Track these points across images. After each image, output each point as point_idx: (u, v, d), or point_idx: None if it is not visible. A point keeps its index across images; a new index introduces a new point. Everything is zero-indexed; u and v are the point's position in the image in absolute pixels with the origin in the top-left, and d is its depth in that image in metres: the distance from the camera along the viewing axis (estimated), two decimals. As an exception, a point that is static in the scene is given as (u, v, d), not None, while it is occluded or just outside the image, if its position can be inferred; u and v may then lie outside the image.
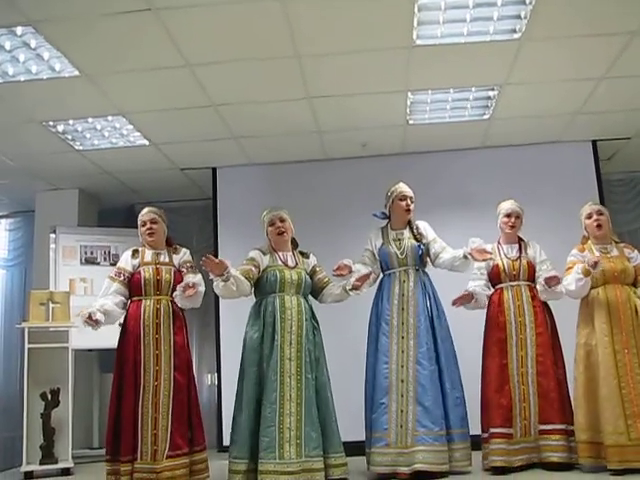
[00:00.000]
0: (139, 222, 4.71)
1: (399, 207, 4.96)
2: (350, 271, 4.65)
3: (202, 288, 4.52)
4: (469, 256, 4.67)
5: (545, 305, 4.82)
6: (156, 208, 4.78)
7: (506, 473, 4.45)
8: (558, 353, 4.74)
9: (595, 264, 4.38)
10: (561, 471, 4.41)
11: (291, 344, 4.51)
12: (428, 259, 4.96)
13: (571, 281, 4.54)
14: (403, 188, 4.99)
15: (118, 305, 4.49)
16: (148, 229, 4.64)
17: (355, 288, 4.66)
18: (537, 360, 4.65)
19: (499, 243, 5.02)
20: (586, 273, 4.44)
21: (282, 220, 4.82)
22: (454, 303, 4.77)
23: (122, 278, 4.55)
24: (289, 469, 4.26)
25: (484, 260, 4.71)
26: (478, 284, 4.87)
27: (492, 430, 4.59)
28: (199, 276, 4.57)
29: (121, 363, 4.38)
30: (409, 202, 4.95)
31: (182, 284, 4.44)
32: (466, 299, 4.80)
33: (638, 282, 4.60)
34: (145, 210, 4.74)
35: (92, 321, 4.33)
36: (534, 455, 4.56)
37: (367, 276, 4.70)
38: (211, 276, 4.40)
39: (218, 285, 4.43)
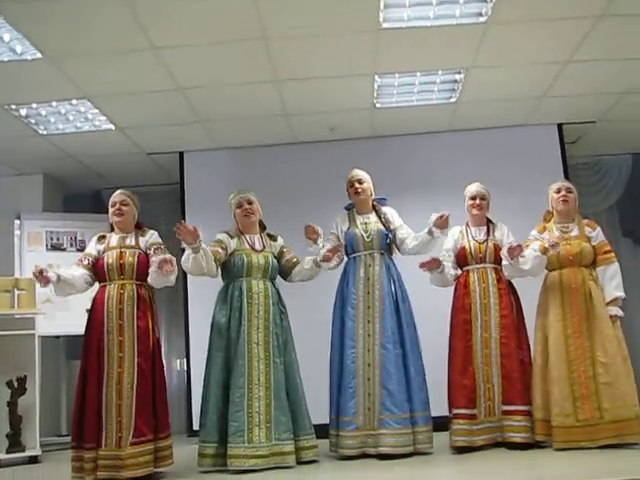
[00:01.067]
0: (110, 202, 4.64)
1: (351, 193, 5.02)
2: (318, 236, 4.75)
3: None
4: (433, 229, 4.71)
5: (511, 288, 4.85)
6: (129, 191, 4.72)
7: (469, 452, 4.52)
8: (523, 335, 4.78)
9: (555, 245, 4.44)
10: (523, 450, 4.47)
11: (258, 328, 4.52)
12: (394, 246, 4.98)
13: (527, 259, 4.59)
14: (353, 173, 5.03)
15: (78, 277, 4.42)
16: (117, 209, 4.58)
17: (326, 260, 4.67)
18: (501, 342, 4.68)
19: (467, 226, 5.03)
20: (543, 251, 4.49)
21: (250, 202, 4.81)
22: (422, 266, 4.74)
23: (86, 262, 4.50)
24: (258, 453, 4.29)
25: (444, 227, 4.71)
26: (446, 265, 4.90)
27: (455, 411, 4.66)
28: (169, 256, 4.46)
29: (87, 349, 4.33)
30: (357, 185, 4.97)
31: (158, 259, 4.33)
32: (434, 264, 4.77)
33: (598, 261, 4.64)
34: (117, 192, 4.69)
35: (41, 276, 4.24)
36: (498, 435, 4.61)
37: (338, 247, 4.73)
38: (182, 245, 4.37)
39: (188, 258, 4.40)
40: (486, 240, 4.90)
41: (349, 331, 4.74)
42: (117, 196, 4.64)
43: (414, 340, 4.77)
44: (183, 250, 4.47)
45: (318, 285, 4.97)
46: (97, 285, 4.51)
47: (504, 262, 4.74)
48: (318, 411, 4.78)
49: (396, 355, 4.65)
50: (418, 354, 4.76)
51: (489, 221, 5.04)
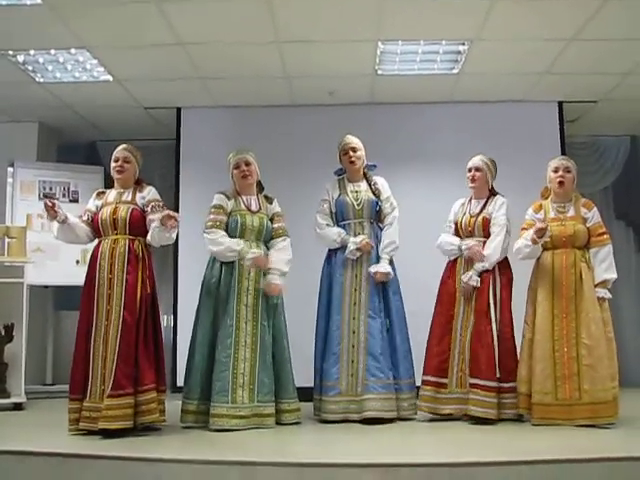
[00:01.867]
0: (112, 157, 4.60)
1: (345, 161, 5.00)
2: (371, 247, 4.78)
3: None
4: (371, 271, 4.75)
5: (502, 262, 4.80)
6: (133, 147, 4.66)
7: (432, 421, 4.63)
8: (507, 311, 4.71)
9: (541, 233, 4.45)
10: (484, 424, 4.48)
11: (248, 290, 4.54)
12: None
13: (520, 248, 4.62)
14: (346, 140, 4.99)
15: (82, 227, 4.46)
16: (119, 166, 4.54)
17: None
18: (478, 316, 4.66)
19: (470, 199, 4.99)
20: (534, 242, 4.51)
21: (247, 164, 4.78)
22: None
23: (86, 218, 4.51)
24: (241, 413, 4.34)
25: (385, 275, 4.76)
26: (446, 236, 4.94)
27: (424, 377, 4.73)
28: (172, 212, 4.37)
29: (81, 303, 4.36)
30: (351, 153, 4.94)
31: (160, 214, 4.26)
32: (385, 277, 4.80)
33: (592, 242, 4.62)
34: (121, 147, 4.63)
35: (52, 209, 4.31)
36: (464, 407, 4.62)
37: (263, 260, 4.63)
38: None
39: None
40: (478, 214, 4.87)
41: (336, 298, 4.78)
42: (120, 152, 4.60)
43: (400, 309, 4.83)
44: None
45: (309, 251, 4.98)
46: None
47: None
48: (306, 374, 4.83)
49: (381, 323, 4.71)
50: (403, 323, 4.82)
51: (492, 194, 4.96)
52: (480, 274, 4.69)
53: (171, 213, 4.26)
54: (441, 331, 4.75)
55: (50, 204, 4.30)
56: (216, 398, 4.35)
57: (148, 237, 4.38)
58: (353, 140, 4.99)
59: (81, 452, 3.56)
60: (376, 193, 4.93)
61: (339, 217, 4.95)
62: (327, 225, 4.91)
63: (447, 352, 4.71)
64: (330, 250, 4.94)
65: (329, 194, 5.00)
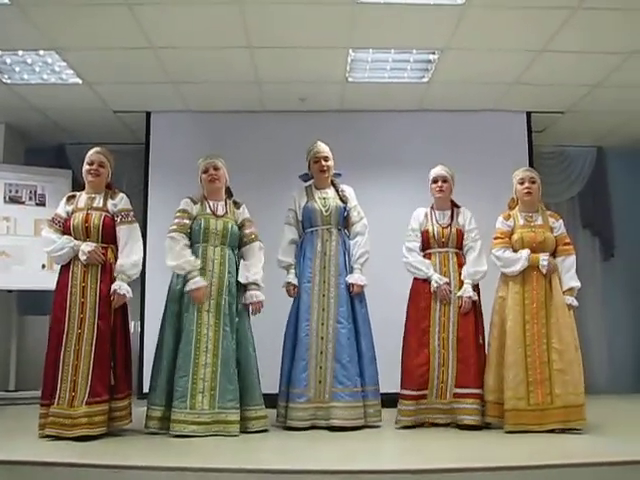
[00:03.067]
0: (86, 159, 4.56)
1: (315, 169, 5.01)
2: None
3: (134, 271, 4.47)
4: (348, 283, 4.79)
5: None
6: (107, 151, 4.65)
7: (412, 428, 4.63)
8: (479, 320, 4.84)
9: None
10: (472, 430, 4.57)
11: (210, 296, 4.53)
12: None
13: (513, 263, 4.61)
14: (318, 148, 5.01)
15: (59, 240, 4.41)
16: (94, 170, 4.51)
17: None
18: (459, 326, 4.74)
19: (432, 209, 5.05)
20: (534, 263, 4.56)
21: (216, 168, 4.77)
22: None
23: (57, 225, 4.48)
24: (200, 419, 4.32)
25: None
26: (414, 245, 4.93)
27: (404, 392, 4.72)
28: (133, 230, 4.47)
29: (53, 309, 4.34)
30: (323, 162, 4.97)
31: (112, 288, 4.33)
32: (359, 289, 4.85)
33: (558, 251, 4.71)
34: (95, 150, 4.61)
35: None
36: (447, 416, 4.69)
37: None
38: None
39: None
40: (449, 225, 4.92)
41: (304, 304, 4.78)
42: (95, 155, 4.56)
43: (365, 316, 4.84)
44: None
45: (275, 259, 4.97)
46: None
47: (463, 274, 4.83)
48: (269, 381, 4.80)
49: (349, 330, 4.71)
50: (368, 331, 4.83)
51: (454, 205, 5.06)
52: (460, 272, 4.83)
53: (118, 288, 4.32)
54: (418, 344, 4.75)
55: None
56: (176, 404, 4.35)
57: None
58: (325, 149, 5.01)
59: (38, 460, 3.50)
60: (343, 200, 4.95)
61: (306, 224, 4.95)
62: (292, 240, 4.94)
63: (426, 364, 4.72)
64: (298, 256, 4.94)
65: (295, 203, 5.00)
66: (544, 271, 4.50)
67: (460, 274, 4.83)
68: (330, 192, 5.00)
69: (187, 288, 4.47)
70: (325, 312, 4.74)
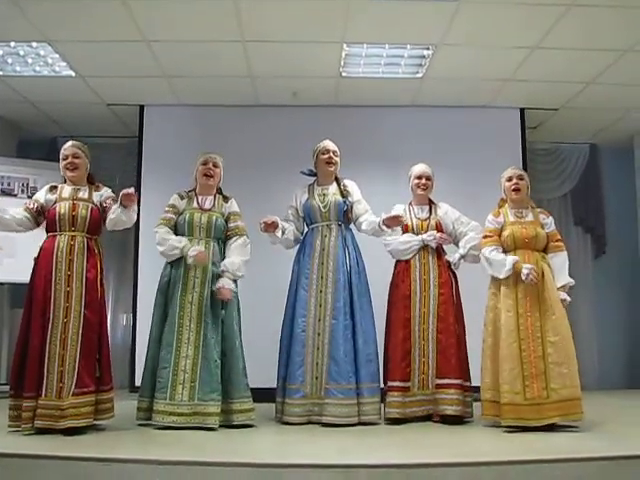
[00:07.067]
0: (61, 156, 4.55)
1: (321, 161, 5.00)
2: (276, 227, 4.74)
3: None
4: (384, 227, 4.77)
5: (450, 265, 4.94)
6: (80, 143, 4.63)
7: (401, 423, 4.62)
8: (459, 312, 4.89)
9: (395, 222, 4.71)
10: (455, 424, 4.58)
11: (194, 288, 4.54)
12: (351, 218, 5.01)
13: (499, 269, 4.58)
14: (326, 143, 5.03)
15: (13, 218, 4.39)
16: (69, 163, 4.50)
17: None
18: (439, 317, 4.78)
19: (410, 204, 5.09)
20: (518, 269, 4.51)
21: (215, 165, 4.80)
22: (383, 221, 4.77)
23: (32, 207, 4.44)
24: (179, 410, 4.34)
25: (398, 225, 4.83)
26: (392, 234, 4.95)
27: (390, 384, 4.74)
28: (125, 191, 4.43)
29: (31, 298, 4.26)
30: (331, 155, 4.98)
31: (122, 192, 4.31)
32: (395, 221, 4.79)
33: (549, 248, 4.71)
34: (68, 144, 4.59)
35: None
36: (430, 407, 4.73)
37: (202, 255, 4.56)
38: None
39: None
40: (428, 218, 4.97)
41: (301, 300, 4.77)
42: (68, 149, 4.54)
43: (365, 312, 4.80)
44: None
45: (277, 253, 4.97)
46: (34, 232, 4.49)
47: (461, 251, 4.88)
48: (269, 376, 4.82)
49: (345, 326, 4.69)
50: (369, 326, 4.80)
51: (431, 201, 5.11)
52: (448, 265, 4.88)
53: (128, 190, 4.29)
54: (400, 334, 4.77)
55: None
56: (157, 394, 4.39)
57: (107, 221, 4.40)
58: (334, 145, 5.03)
59: (30, 452, 3.48)
60: (344, 194, 4.95)
61: (308, 221, 4.98)
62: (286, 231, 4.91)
63: (409, 356, 4.74)
64: (299, 251, 4.94)
65: (296, 200, 5.03)
66: (524, 279, 4.48)
67: (439, 266, 4.87)
68: (331, 188, 5.00)
69: (190, 260, 4.47)
70: (322, 308, 4.74)
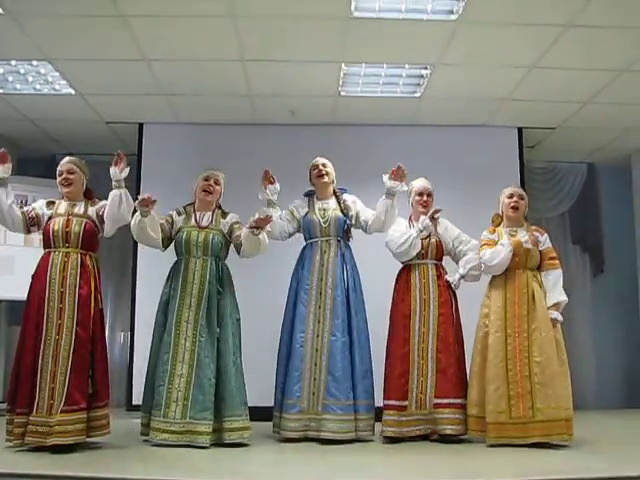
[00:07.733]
0: (57, 171, 4.56)
1: (314, 176, 5.05)
2: (272, 184, 4.90)
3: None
4: (391, 184, 4.78)
5: (450, 285, 4.91)
6: (77, 158, 4.64)
7: (397, 442, 4.60)
8: (459, 331, 4.88)
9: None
10: (452, 443, 4.57)
11: (190, 307, 4.53)
12: (360, 229, 5.03)
13: (496, 253, 4.63)
14: (316, 159, 5.07)
15: (8, 207, 4.40)
16: (64, 179, 4.50)
17: (257, 227, 4.49)
18: (438, 336, 4.76)
19: (411, 220, 5.06)
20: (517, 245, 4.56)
21: (217, 182, 4.82)
22: (392, 173, 4.79)
23: (26, 210, 4.46)
24: (172, 428, 4.35)
25: (400, 179, 4.80)
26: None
27: (386, 402, 4.73)
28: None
29: (26, 315, 4.28)
30: (320, 168, 5.01)
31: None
32: (399, 174, 4.80)
33: (544, 265, 4.72)
34: (64, 160, 4.60)
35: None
36: (428, 427, 4.70)
37: (266, 219, 4.52)
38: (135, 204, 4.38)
39: (136, 219, 4.43)
40: (429, 237, 4.93)
41: (300, 315, 4.78)
42: (63, 165, 4.55)
43: (362, 329, 4.82)
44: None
45: (276, 268, 4.96)
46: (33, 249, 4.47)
47: (461, 270, 4.87)
48: (268, 393, 4.82)
49: (343, 343, 4.69)
50: (365, 343, 4.81)
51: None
52: (448, 284, 4.86)
53: (144, 196, 4.33)
54: (399, 354, 4.76)
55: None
56: (153, 412, 4.43)
57: (105, 215, 4.39)
58: (324, 159, 5.06)
59: (8, 471, 3.46)
60: (344, 211, 4.96)
61: (306, 235, 4.99)
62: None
63: (407, 375, 4.73)
64: (297, 265, 4.94)
65: (296, 208, 5.04)
66: (528, 246, 4.54)
67: (439, 286, 4.85)
68: (331, 203, 5.02)
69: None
70: (320, 324, 4.74)
